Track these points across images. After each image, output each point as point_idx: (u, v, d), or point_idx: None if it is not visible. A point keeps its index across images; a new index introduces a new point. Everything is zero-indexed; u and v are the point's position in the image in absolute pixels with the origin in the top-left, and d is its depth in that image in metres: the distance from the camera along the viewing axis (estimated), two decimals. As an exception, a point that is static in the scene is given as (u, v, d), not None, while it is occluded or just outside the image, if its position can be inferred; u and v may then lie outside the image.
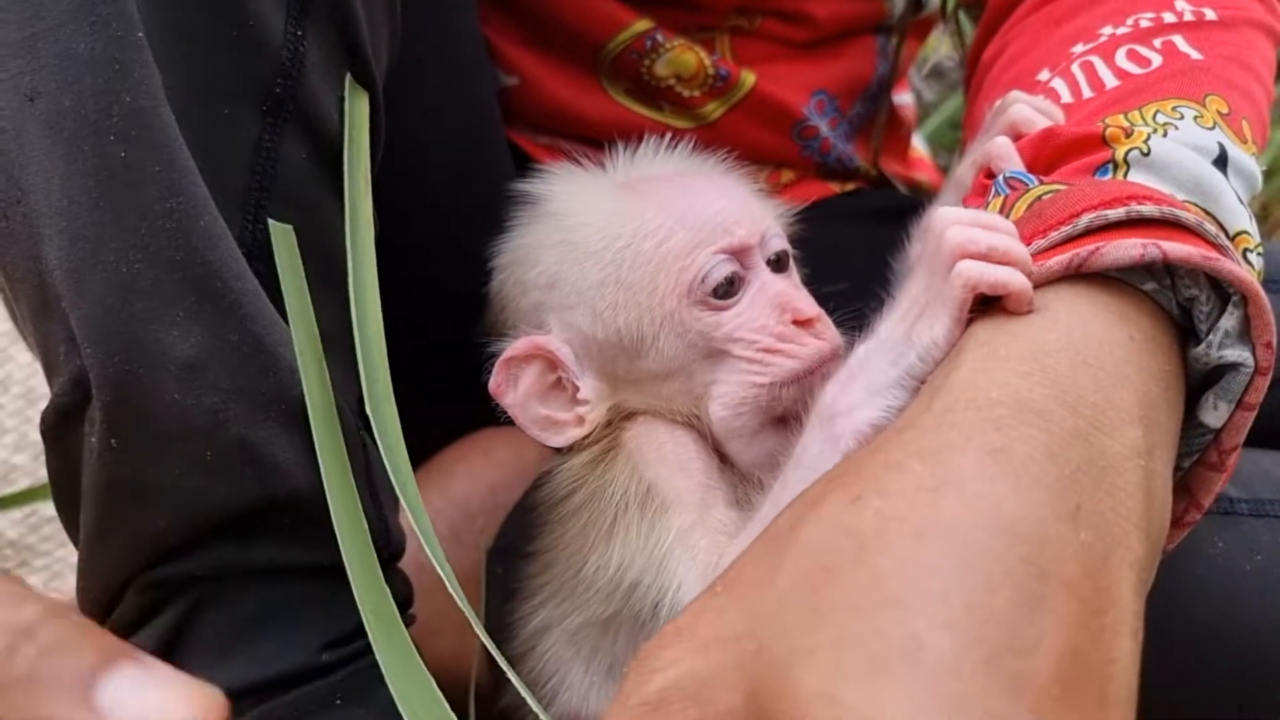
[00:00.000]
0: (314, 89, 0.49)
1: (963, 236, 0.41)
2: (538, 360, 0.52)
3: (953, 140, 1.28)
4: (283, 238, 0.50)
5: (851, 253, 0.55)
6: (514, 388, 0.52)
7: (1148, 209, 0.41)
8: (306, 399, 0.49)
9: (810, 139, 0.79)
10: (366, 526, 0.49)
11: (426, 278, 0.69)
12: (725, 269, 0.50)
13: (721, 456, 0.52)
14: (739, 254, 0.51)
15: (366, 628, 0.47)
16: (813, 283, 0.55)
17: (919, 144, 1.04)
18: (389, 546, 0.54)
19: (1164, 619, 0.55)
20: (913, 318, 0.43)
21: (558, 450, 0.54)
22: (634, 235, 0.50)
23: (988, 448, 0.35)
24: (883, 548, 0.33)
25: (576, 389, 0.52)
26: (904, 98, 0.91)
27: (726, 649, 0.33)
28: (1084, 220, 0.41)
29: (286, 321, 0.50)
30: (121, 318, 0.45)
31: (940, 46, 1.32)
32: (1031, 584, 0.32)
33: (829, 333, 0.51)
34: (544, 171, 0.55)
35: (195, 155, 0.46)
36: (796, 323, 0.50)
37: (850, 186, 0.82)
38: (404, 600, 0.57)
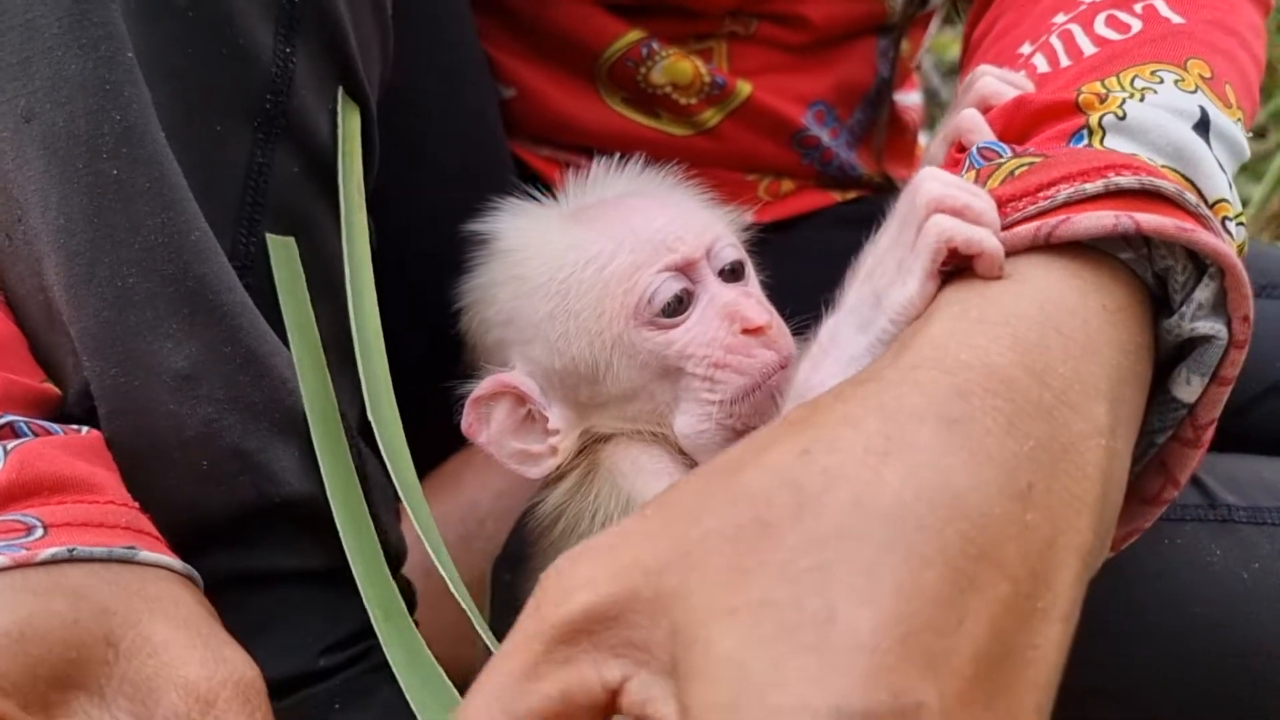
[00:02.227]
0: (305, 104, 0.50)
1: (940, 190, 0.40)
2: (506, 397, 0.53)
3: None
4: (281, 250, 0.51)
5: (851, 260, 0.55)
6: (486, 426, 0.53)
7: (1125, 180, 0.40)
8: (306, 407, 0.50)
9: (811, 148, 0.79)
10: (372, 526, 0.50)
11: (432, 289, 0.70)
12: (672, 287, 0.50)
13: None
14: (684, 269, 0.51)
15: (375, 626, 0.48)
16: (813, 291, 0.55)
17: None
18: (389, 552, 0.55)
19: (1161, 626, 0.56)
20: (878, 276, 0.42)
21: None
22: (576, 264, 0.51)
23: (947, 418, 0.34)
24: (820, 510, 0.32)
25: (547, 420, 0.53)
26: (911, 97, 0.90)
27: (648, 579, 0.33)
28: (1061, 195, 0.40)
29: (285, 336, 0.51)
30: (117, 331, 0.46)
31: (957, 46, 1.32)
32: (965, 563, 0.32)
33: (780, 341, 0.51)
34: (495, 209, 0.56)
35: (188, 172, 0.47)
36: (746, 331, 0.50)
37: (852, 195, 0.82)
38: (407, 603, 0.58)
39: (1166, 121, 0.44)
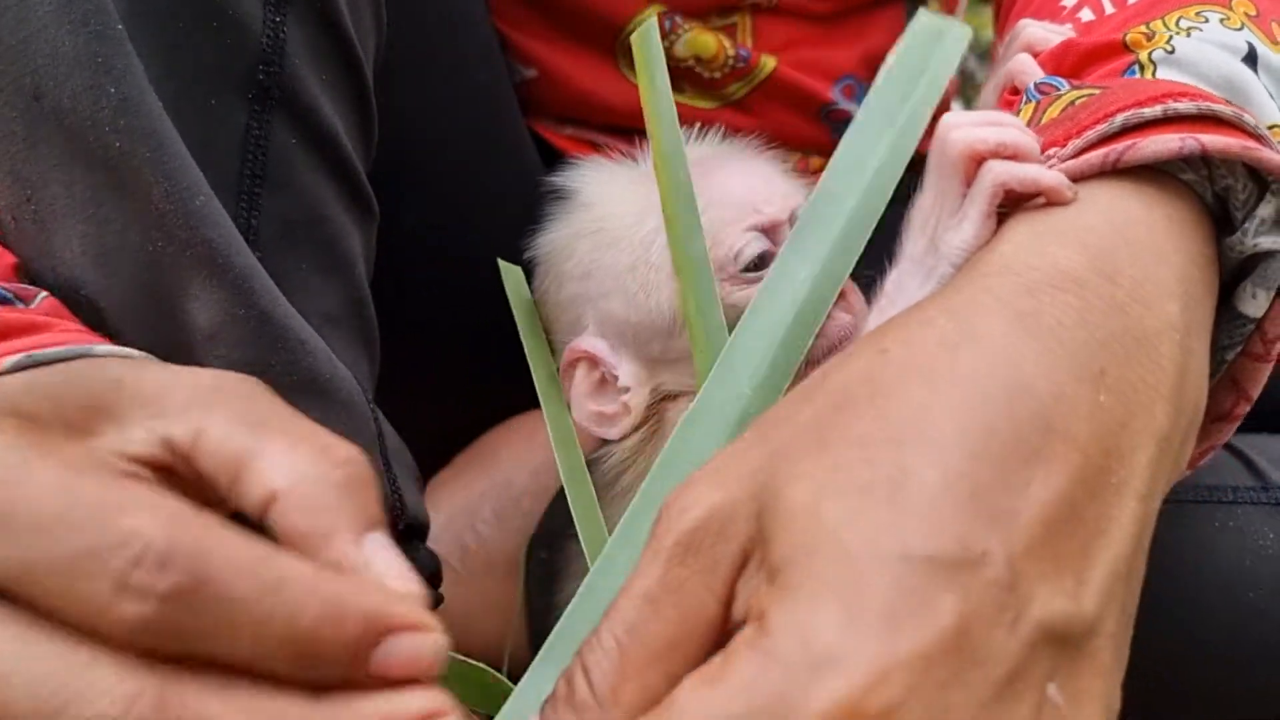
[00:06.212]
0: (299, 74, 0.48)
1: (971, 136, 0.40)
2: (580, 362, 0.52)
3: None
4: (512, 276, 0.52)
5: (882, 237, 0.53)
6: (567, 393, 0.53)
7: (1184, 105, 0.39)
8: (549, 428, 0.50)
9: (840, 122, 0.75)
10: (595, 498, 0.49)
11: (454, 268, 0.68)
12: (757, 245, 0.49)
13: None
14: (769, 231, 0.50)
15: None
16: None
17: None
18: (403, 519, 0.53)
19: (1215, 612, 0.52)
20: (932, 226, 0.42)
21: (603, 441, 0.54)
22: (660, 214, 0.50)
23: (1016, 310, 0.34)
24: (893, 393, 0.33)
25: (616, 379, 0.52)
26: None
27: (743, 482, 0.33)
28: (1119, 120, 0.39)
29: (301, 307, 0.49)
30: (154, 294, 0.45)
31: (991, 26, 1.26)
32: (1033, 435, 0.32)
33: (857, 306, 0.50)
34: (574, 165, 0.55)
35: (185, 146, 0.45)
36: None
37: (884, 172, 0.78)
38: (431, 576, 0.56)
39: (1214, 55, 0.43)
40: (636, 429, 0.52)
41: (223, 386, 0.38)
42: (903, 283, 0.43)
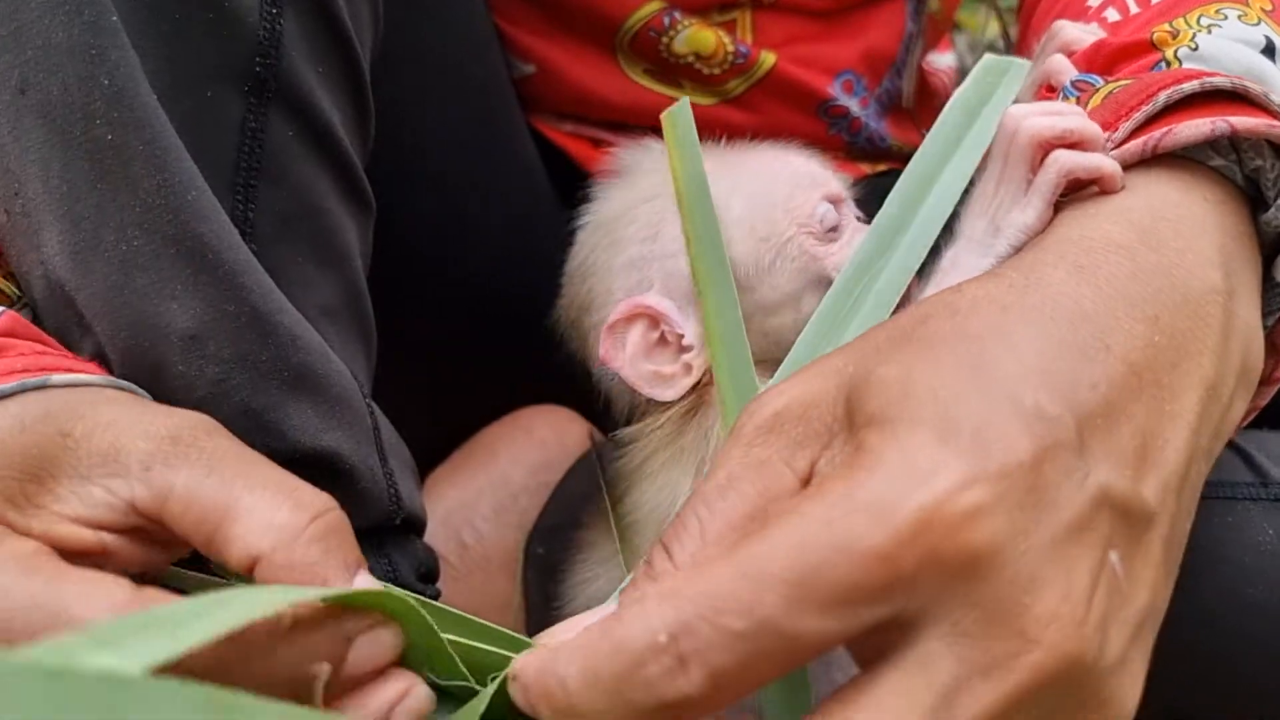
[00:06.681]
0: (295, 67, 0.47)
1: (1040, 125, 0.42)
2: (640, 320, 0.51)
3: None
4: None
5: None
6: (621, 350, 0.51)
7: (1220, 80, 0.42)
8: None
9: (838, 117, 0.74)
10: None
11: (452, 263, 0.67)
12: (830, 209, 0.51)
13: None
14: (836, 203, 0.52)
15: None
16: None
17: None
18: (400, 512, 0.52)
19: (1213, 605, 0.52)
20: (992, 210, 0.44)
21: (628, 422, 0.53)
22: (738, 180, 0.51)
23: (1076, 264, 0.38)
24: (971, 314, 0.36)
25: (680, 338, 0.51)
26: (944, 59, 0.85)
27: (828, 377, 0.36)
28: (1162, 97, 0.42)
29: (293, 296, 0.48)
30: (126, 295, 0.44)
31: (993, 25, 1.26)
32: (1096, 354, 0.35)
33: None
34: (624, 147, 0.55)
35: (181, 139, 0.44)
36: None
37: (881, 167, 0.78)
38: (428, 572, 0.55)
39: (1235, 49, 0.46)
40: (675, 403, 0.51)
41: (180, 436, 0.39)
42: (959, 260, 0.45)
